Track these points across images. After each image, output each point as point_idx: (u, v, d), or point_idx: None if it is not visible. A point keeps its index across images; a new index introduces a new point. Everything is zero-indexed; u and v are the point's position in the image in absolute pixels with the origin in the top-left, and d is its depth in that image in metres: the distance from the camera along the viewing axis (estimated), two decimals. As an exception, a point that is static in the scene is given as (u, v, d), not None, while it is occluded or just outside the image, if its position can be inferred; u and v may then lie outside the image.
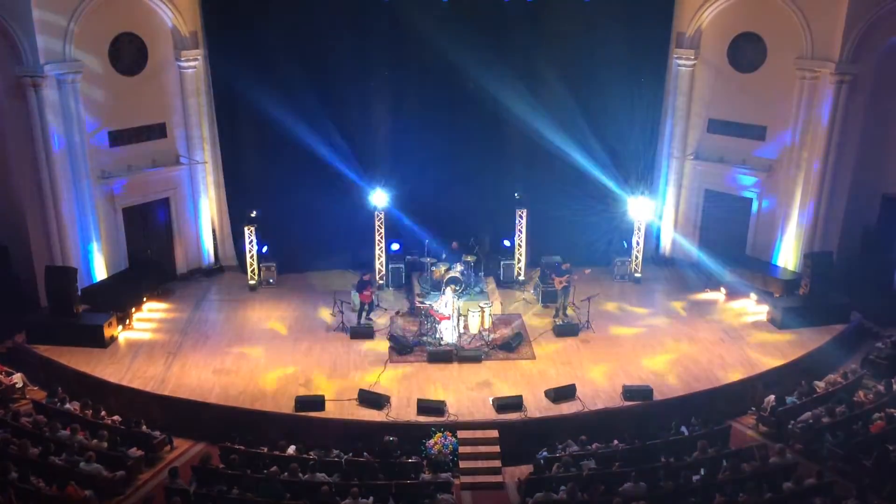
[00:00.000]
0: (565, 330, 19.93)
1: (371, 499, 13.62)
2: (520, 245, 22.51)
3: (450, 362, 18.57)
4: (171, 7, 21.11)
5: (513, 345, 19.17)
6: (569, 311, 20.69)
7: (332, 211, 23.00)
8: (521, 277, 22.78)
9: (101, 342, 18.94)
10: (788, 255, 21.81)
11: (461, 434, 16.02)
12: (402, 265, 22.64)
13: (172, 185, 22.56)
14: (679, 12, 22.24)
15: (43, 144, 19.24)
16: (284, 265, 23.23)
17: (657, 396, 17.15)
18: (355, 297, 20.59)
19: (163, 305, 21.48)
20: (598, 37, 22.12)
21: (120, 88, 20.87)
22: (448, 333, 19.25)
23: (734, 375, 17.98)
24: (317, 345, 19.50)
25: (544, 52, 22.29)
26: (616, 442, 15.60)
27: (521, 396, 16.93)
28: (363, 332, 19.81)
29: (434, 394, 17.28)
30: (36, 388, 18.10)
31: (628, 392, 17.16)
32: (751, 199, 22.61)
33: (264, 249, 22.70)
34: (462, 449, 15.83)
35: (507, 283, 22.68)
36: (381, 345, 19.44)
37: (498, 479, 15.58)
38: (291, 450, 15.30)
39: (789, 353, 18.87)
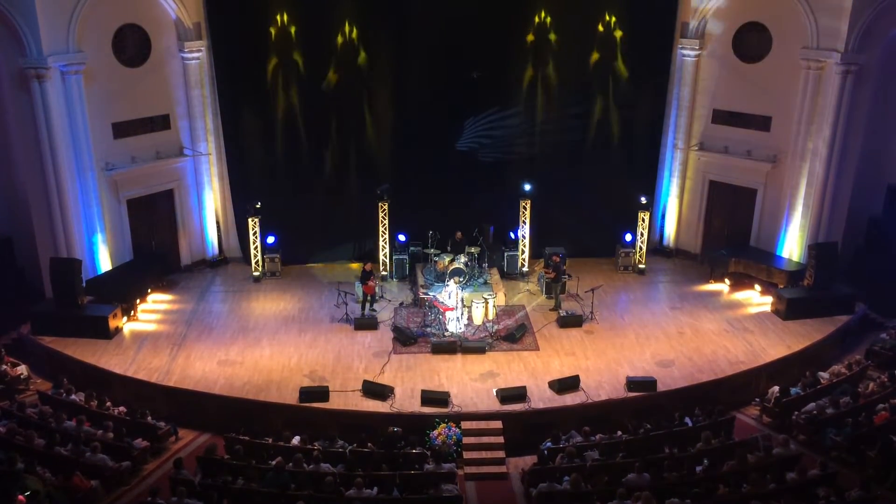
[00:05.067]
0: (569, 321, 19.92)
1: (375, 490, 13.64)
2: (523, 236, 22.49)
3: (454, 353, 18.59)
4: (174, -2, 21.14)
5: (517, 336, 19.18)
6: (563, 304, 20.71)
7: (335, 202, 23.01)
8: (525, 268, 22.77)
9: (105, 333, 19.02)
10: (793, 245, 21.76)
11: (465, 425, 16.06)
12: (405, 256, 22.65)
13: (176, 176, 22.56)
14: (684, 2, 22.12)
15: (47, 136, 19.22)
16: (288, 256, 23.25)
17: (661, 387, 17.15)
18: (359, 289, 20.63)
19: (167, 297, 21.53)
20: (602, 26, 22.05)
21: (123, 80, 20.86)
22: (452, 324, 19.27)
23: (738, 366, 17.97)
24: (321, 336, 19.54)
25: (549, 43, 22.22)
26: (620, 433, 15.63)
27: (524, 387, 16.95)
28: (367, 324, 19.83)
29: (438, 385, 17.32)
30: (41, 380, 18.18)
31: (632, 383, 17.17)
32: (755, 190, 22.55)
33: (270, 240, 22.69)
34: (466, 440, 15.87)
35: (511, 275, 22.69)
36: (384, 336, 19.47)
37: (502, 469, 15.62)
38: (296, 440, 15.34)
39: (794, 343, 18.86)
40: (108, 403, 16.67)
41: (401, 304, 21.10)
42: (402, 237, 22.61)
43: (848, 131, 20.36)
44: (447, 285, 19.57)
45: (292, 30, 21.59)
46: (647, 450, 14.59)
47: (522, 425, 16.26)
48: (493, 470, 15.60)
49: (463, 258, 21.37)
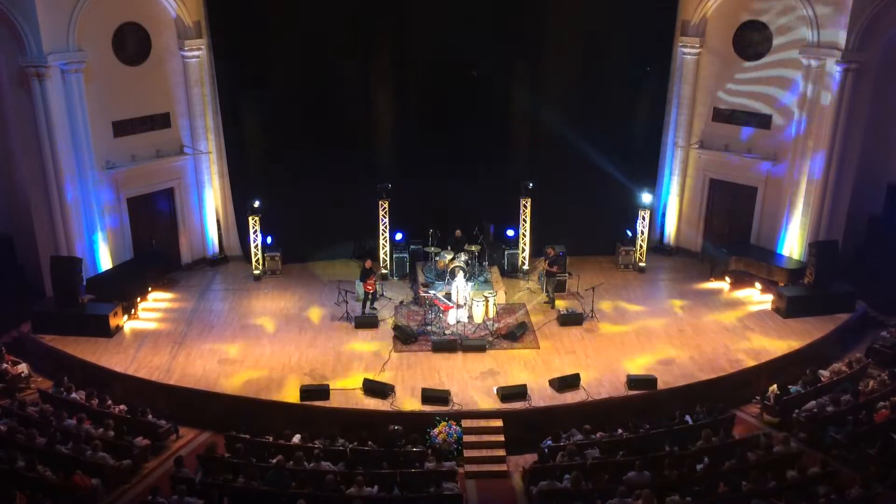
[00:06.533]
0: (570, 319, 19.93)
1: (376, 488, 13.65)
2: (524, 234, 22.49)
3: (454, 352, 18.59)
4: (174, -4, 21.12)
5: (517, 334, 19.18)
6: (557, 301, 20.83)
7: (336, 200, 22.99)
8: (526, 266, 22.77)
9: (106, 332, 19.02)
10: (793, 244, 21.75)
11: (466, 423, 16.06)
12: (406, 255, 22.64)
13: (177, 175, 22.56)
14: (684, 0, 22.11)
15: (47, 135, 19.21)
16: (289, 255, 23.25)
17: (661, 386, 17.16)
18: (359, 288, 20.63)
19: (168, 295, 21.53)
20: (603, 25, 22.04)
21: (124, 78, 20.86)
22: (452, 321, 19.25)
23: (738, 364, 17.98)
24: (321, 334, 19.54)
25: (549, 41, 22.21)
26: (620, 431, 15.63)
27: (525, 385, 16.95)
28: (367, 322, 19.84)
29: (438, 383, 17.32)
30: (41, 378, 18.18)
31: (633, 381, 17.18)
32: (756, 188, 22.54)
33: (269, 240, 22.71)
34: (466, 438, 15.87)
35: (511, 273, 22.68)
36: (385, 334, 19.47)
37: (502, 467, 15.63)
38: (296, 439, 15.35)
39: (794, 342, 18.86)
40: (109, 402, 16.66)
41: (401, 302, 21.10)
42: (399, 235, 22.62)
43: (848, 129, 20.33)
44: (447, 283, 19.53)
45: (292, 27, 21.56)
46: (648, 448, 14.59)
47: (523, 423, 16.25)
48: (493, 468, 15.60)
49: (463, 256, 21.36)
